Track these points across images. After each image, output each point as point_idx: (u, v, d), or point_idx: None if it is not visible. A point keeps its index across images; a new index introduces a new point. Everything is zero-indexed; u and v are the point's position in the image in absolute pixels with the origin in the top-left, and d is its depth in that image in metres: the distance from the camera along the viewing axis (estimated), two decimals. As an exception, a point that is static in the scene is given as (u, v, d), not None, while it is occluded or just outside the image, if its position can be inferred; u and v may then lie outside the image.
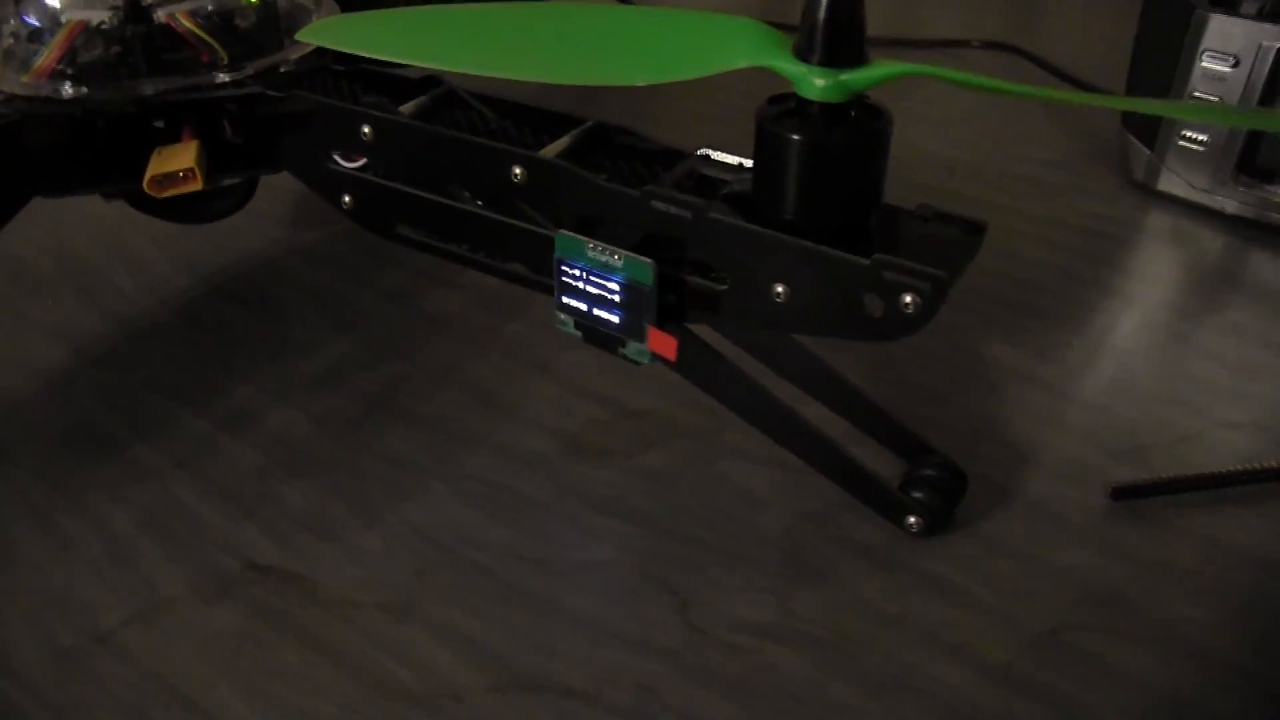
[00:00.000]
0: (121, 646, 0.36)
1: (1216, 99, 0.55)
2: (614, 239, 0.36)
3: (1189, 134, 0.57)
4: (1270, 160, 0.55)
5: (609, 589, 0.37)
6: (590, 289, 0.37)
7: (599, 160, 0.39)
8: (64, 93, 0.42)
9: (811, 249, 0.33)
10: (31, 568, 0.38)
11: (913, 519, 0.38)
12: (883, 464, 0.40)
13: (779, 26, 0.34)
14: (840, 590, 0.37)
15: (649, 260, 0.35)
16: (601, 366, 0.46)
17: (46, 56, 0.42)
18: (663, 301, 0.36)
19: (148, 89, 0.42)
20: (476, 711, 0.33)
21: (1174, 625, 0.35)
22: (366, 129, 0.40)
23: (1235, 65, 0.54)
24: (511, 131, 0.41)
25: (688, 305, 0.36)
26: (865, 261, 0.32)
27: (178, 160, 0.41)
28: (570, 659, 0.35)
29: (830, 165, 0.33)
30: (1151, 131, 0.59)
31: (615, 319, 0.37)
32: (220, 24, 0.44)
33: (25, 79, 0.42)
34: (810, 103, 0.32)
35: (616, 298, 0.36)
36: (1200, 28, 0.55)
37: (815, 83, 0.32)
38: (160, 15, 0.43)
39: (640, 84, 0.34)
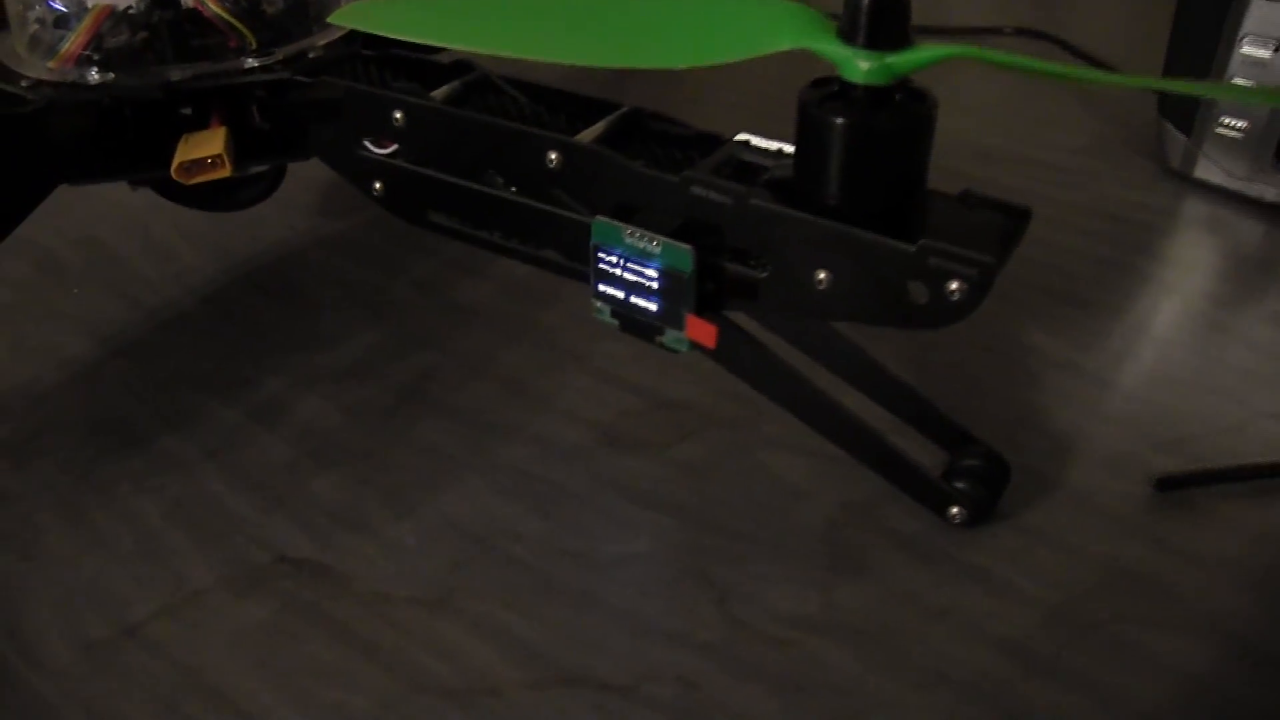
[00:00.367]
0: (151, 639, 0.35)
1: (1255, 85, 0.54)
2: (652, 225, 0.35)
3: (1227, 121, 0.56)
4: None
5: (647, 582, 0.37)
6: (627, 276, 0.36)
7: (634, 146, 0.38)
8: (90, 79, 0.41)
9: (856, 235, 0.32)
10: (60, 560, 0.38)
11: (955, 510, 0.38)
12: (924, 454, 0.39)
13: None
14: (882, 582, 0.36)
15: (688, 246, 0.34)
16: (634, 356, 0.45)
17: (72, 42, 0.41)
18: (702, 289, 0.35)
19: (175, 75, 0.42)
20: (514, 707, 0.33)
21: (1220, 617, 0.35)
22: (399, 115, 0.40)
23: (1277, 50, 0.53)
24: (545, 117, 0.40)
25: (726, 293, 0.36)
26: (911, 248, 0.32)
27: (206, 147, 0.41)
28: (609, 653, 0.34)
29: (875, 150, 0.32)
30: (1188, 118, 0.58)
31: (653, 307, 0.36)
32: (248, 9, 0.43)
33: (51, 65, 0.42)
34: (854, 86, 0.32)
35: (654, 285, 0.36)
36: (1241, 11, 0.54)
37: (860, 65, 0.31)
38: (188, 0, 0.42)
39: (681, 67, 0.34)
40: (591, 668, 0.34)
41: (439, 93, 0.41)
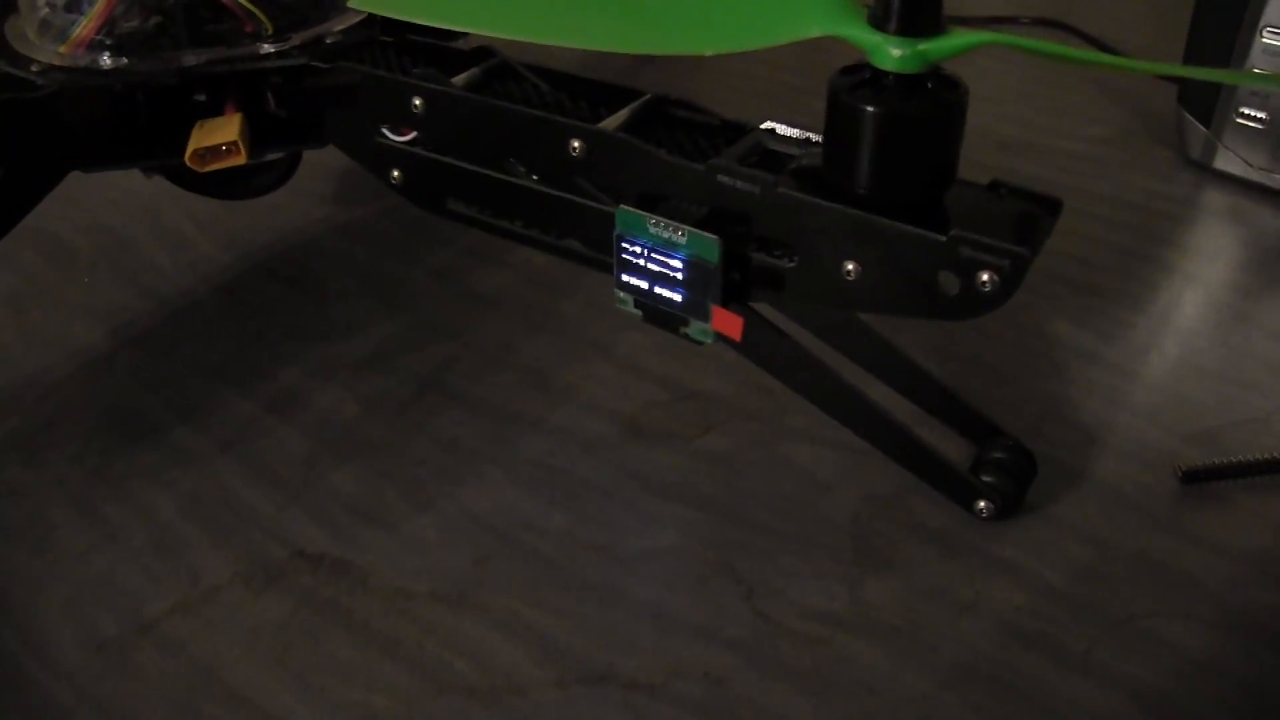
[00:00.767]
0: (165, 637, 0.35)
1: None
2: (677, 215, 0.35)
3: (1247, 111, 0.56)
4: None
5: (673, 577, 0.36)
6: (652, 266, 0.36)
7: (658, 134, 0.38)
8: (103, 64, 0.41)
9: (886, 225, 0.32)
10: (71, 556, 0.37)
11: (983, 504, 0.37)
12: (950, 447, 0.39)
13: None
14: (911, 577, 0.36)
15: (714, 236, 0.34)
16: (657, 347, 0.45)
17: (85, 26, 0.41)
18: (728, 280, 0.35)
19: (189, 60, 0.41)
20: (539, 705, 0.32)
21: (1251, 611, 0.35)
22: (418, 101, 0.39)
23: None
24: (567, 104, 0.39)
25: (752, 283, 0.35)
26: (942, 238, 0.31)
27: (221, 133, 0.40)
28: (636, 650, 0.34)
29: (907, 138, 0.32)
30: (1208, 109, 0.57)
31: (678, 297, 0.36)
32: (264, -7, 0.42)
33: (63, 50, 0.41)
34: (885, 73, 0.31)
35: (679, 275, 0.35)
36: (1261, 2, 0.53)
37: (892, 53, 0.31)
38: (202, -16, 0.42)
39: (709, 54, 0.33)
40: (618, 665, 0.33)
41: (459, 79, 0.40)
